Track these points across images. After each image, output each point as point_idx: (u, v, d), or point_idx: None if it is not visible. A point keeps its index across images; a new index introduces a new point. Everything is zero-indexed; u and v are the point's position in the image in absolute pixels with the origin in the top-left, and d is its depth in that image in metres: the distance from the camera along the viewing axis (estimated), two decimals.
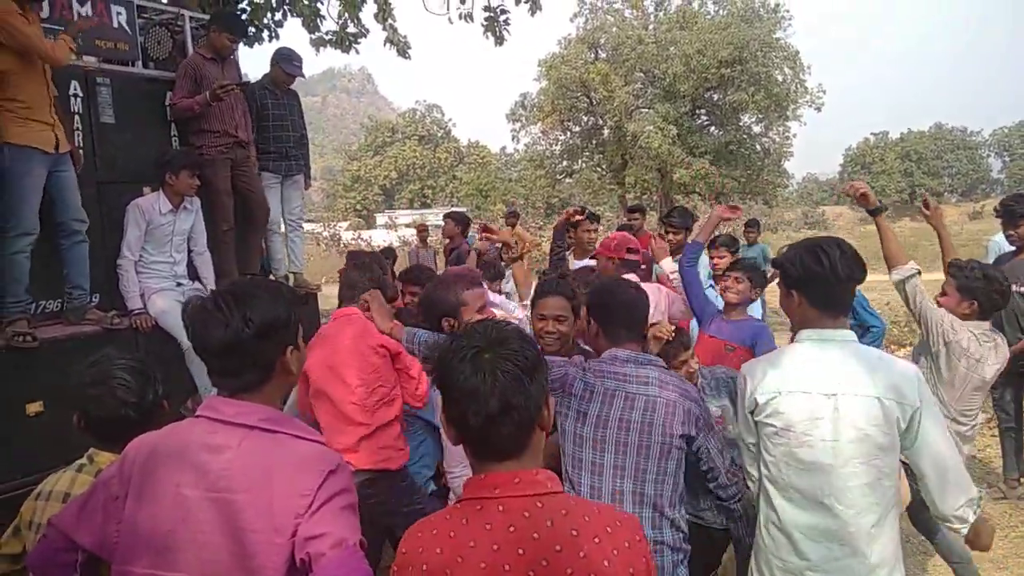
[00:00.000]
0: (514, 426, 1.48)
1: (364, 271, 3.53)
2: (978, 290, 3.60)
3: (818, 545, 2.16)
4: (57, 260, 4.33)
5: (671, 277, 4.52)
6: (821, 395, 2.16)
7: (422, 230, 12.42)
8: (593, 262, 5.47)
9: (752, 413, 2.30)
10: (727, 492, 2.64)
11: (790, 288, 2.32)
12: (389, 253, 9.51)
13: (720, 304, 4.40)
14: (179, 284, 4.91)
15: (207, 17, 5.65)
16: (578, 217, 5.56)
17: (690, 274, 4.28)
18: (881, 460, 2.15)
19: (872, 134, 65.75)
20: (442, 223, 10.16)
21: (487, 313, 3.15)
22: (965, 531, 2.21)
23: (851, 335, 2.27)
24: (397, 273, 6.76)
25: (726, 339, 4.15)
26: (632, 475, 2.41)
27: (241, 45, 6.36)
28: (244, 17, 8.06)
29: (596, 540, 1.44)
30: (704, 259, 5.92)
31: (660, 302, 4.31)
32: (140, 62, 5.14)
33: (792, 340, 2.39)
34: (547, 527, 1.44)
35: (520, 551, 1.43)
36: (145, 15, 5.26)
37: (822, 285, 2.23)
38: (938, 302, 3.68)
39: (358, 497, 1.68)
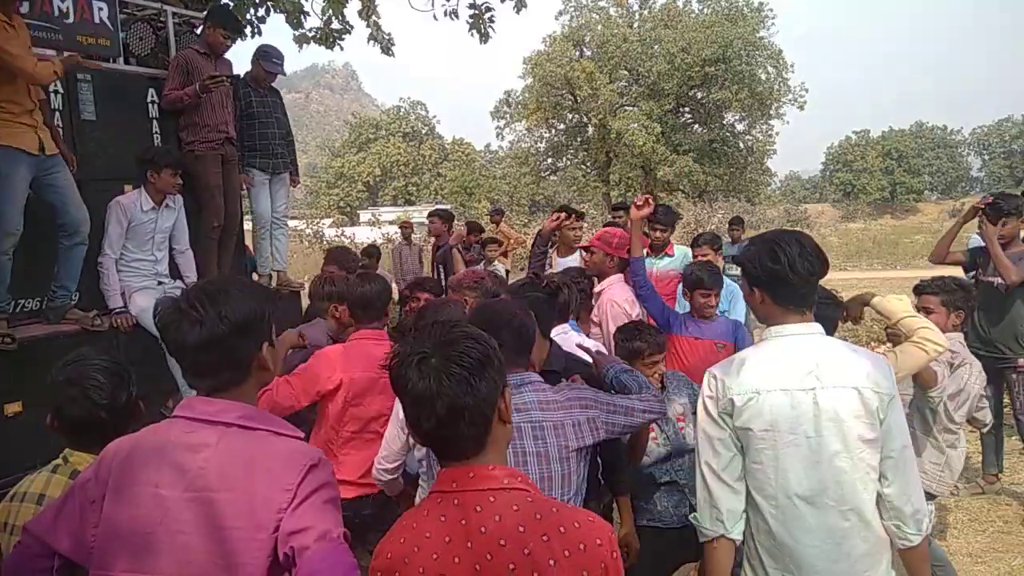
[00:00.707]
0: (468, 426, 1.50)
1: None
2: (960, 300, 3.69)
3: (814, 547, 2.09)
4: (38, 259, 4.28)
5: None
6: (799, 391, 2.09)
7: (406, 227, 12.38)
8: (573, 260, 5.46)
9: (729, 416, 2.17)
10: (646, 405, 2.57)
11: (752, 285, 2.27)
12: (373, 251, 9.44)
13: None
14: (160, 282, 4.87)
15: (190, 13, 5.62)
16: (563, 218, 5.53)
17: (644, 288, 4.28)
18: (867, 453, 2.09)
19: (854, 132, 66.13)
20: (426, 221, 10.10)
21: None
22: (917, 542, 2.11)
23: (818, 327, 2.22)
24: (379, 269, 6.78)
25: (713, 338, 4.18)
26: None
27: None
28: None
29: (544, 538, 1.45)
30: (688, 254, 5.96)
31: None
32: (122, 58, 5.09)
33: (759, 338, 2.32)
34: (495, 521, 1.46)
35: (468, 544, 1.47)
36: (127, 11, 5.21)
37: (781, 283, 2.17)
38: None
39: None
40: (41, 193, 4.17)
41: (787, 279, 2.15)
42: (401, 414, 2.88)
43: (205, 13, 5.44)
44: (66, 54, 4.27)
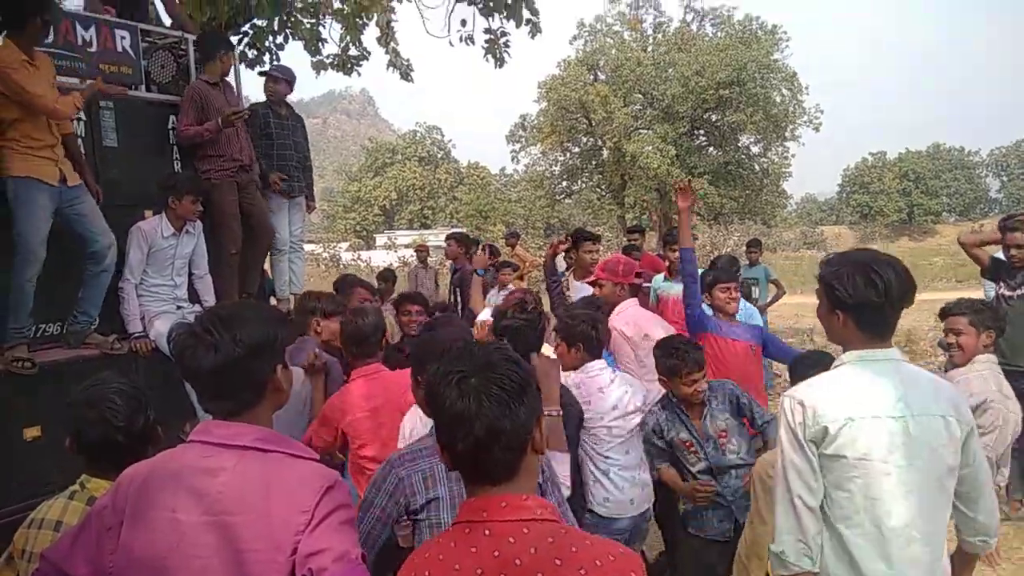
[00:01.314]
0: (503, 451, 1.47)
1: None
2: (989, 319, 3.61)
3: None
4: (59, 284, 4.33)
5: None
6: (890, 418, 2.01)
7: (422, 251, 12.42)
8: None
9: (816, 444, 2.06)
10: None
11: (836, 308, 2.13)
12: (389, 275, 9.47)
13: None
14: (179, 307, 4.91)
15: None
16: (563, 247, 5.55)
17: (693, 282, 4.29)
18: (949, 481, 2.06)
19: (870, 154, 65.87)
20: (443, 244, 10.11)
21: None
22: (993, 546, 2.22)
23: (899, 353, 2.13)
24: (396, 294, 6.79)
25: (747, 340, 4.21)
26: None
27: (243, 68, 6.42)
28: (246, 40, 8.12)
29: (581, 571, 1.41)
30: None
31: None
32: (144, 86, 5.17)
33: (835, 362, 2.21)
34: (531, 554, 1.42)
35: None
36: (149, 39, 5.30)
37: (873, 309, 2.06)
38: (959, 345, 3.66)
39: None
40: (68, 224, 4.24)
41: (881, 307, 2.06)
42: (405, 427, 2.88)
43: (196, 48, 5.46)
44: (87, 83, 4.35)
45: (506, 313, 3.18)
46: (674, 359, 3.41)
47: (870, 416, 2.02)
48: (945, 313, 3.76)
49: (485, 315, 4.59)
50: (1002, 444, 3.58)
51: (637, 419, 3.56)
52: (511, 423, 1.46)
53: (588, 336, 3.54)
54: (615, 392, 3.52)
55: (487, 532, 1.46)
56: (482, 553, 1.44)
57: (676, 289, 5.51)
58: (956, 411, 2.07)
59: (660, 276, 6.17)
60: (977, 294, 5.15)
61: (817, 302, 2.25)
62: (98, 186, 4.56)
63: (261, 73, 6.08)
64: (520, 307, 3.24)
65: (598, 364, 3.57)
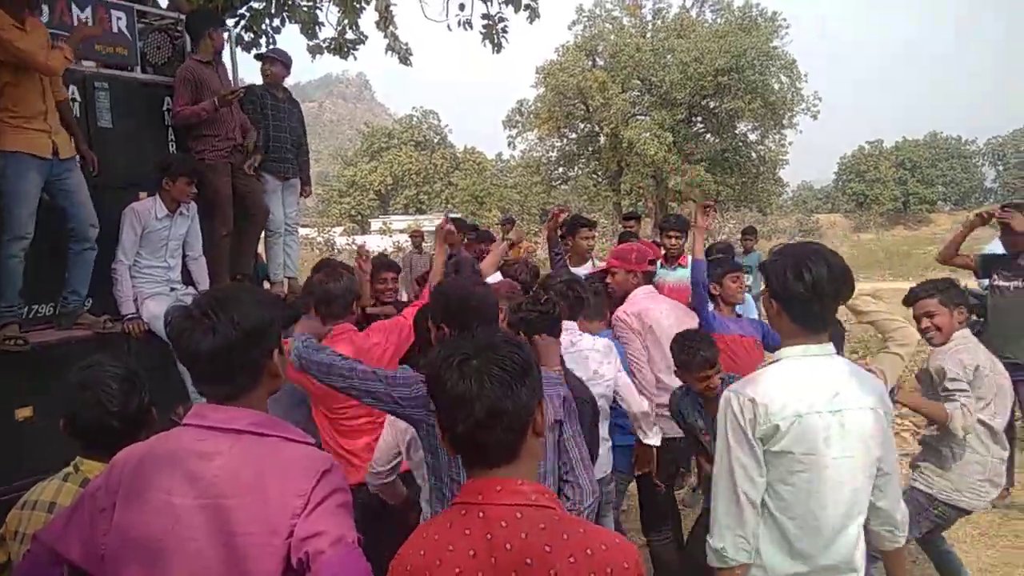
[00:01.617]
0: (503, 432, 1.48)
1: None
2: (956, 296, 3.61)
3: (831, 561, 2.12)
4: (51, 264, 4.32)
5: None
6: (828, 413, 2.07)
7: (416, 236, 12.40)
8: (585, 270, 5.43)
9: (765, 441, 2.10)
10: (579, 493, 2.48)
11: (772, 298, 2.20)
12: (383, 259, 9.45)
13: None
14: (173, 289, 4.89)
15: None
16: (563, 215, 5.52)
17: (702, 291, 4.26)
18: (873, 470, 2.14)
19: (867, 142, 65.72)
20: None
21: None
22: (903, 542, 2.24)
23: (831, 347, 2.19)
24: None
25: (752, 335, 4.24)
26: None
27: (239, 51, 6.39)
28: (243, 23, 8.06)
29: (571, 559, 1.42)
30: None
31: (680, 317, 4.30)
32: (139, 67, 5.14)
33: (774, 356, 2.26)
34: (521, 539, 1.43)
35: (493, 559, 1.43)
36: (145, 20, 5.27)
37: (802, 303, 2.10)
38: (935, 326, 3.60)
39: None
40: (52, 197, 4.20)
41: (809, 301, 2.09)
42: (398, 421, 2.89)
43: (185, 25, 5.43)
44: (67, 37, 4.27)
45: (521, 306, 3.16)
46: (684, 355, 3.42)
47: (814, 412, 2.08)
48: (912, 299, 3.69)
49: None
50: (1003, 413, 3.58)
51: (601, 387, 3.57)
52: (512, 404, 1.47)
53: (563, 295, 3.57)
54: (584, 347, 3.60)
55: (481, 515, 1.47)
56: (475, 535, 1.46)
57: (672, 276, 5.50)
58: (882, 403, 2.16)
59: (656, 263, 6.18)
60: (969, 284, 5.16)
61: None
62: (93, 154, 4.53)
63: (257, 56, 6.04)
64: (535, 299, 3.21)
65: (570, 325, 3.59)
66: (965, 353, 3.52)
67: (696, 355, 3.38)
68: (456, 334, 2.40)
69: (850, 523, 2.12)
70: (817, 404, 2.08)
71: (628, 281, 4.50)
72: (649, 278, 4.57)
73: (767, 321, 2.71)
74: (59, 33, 4.48)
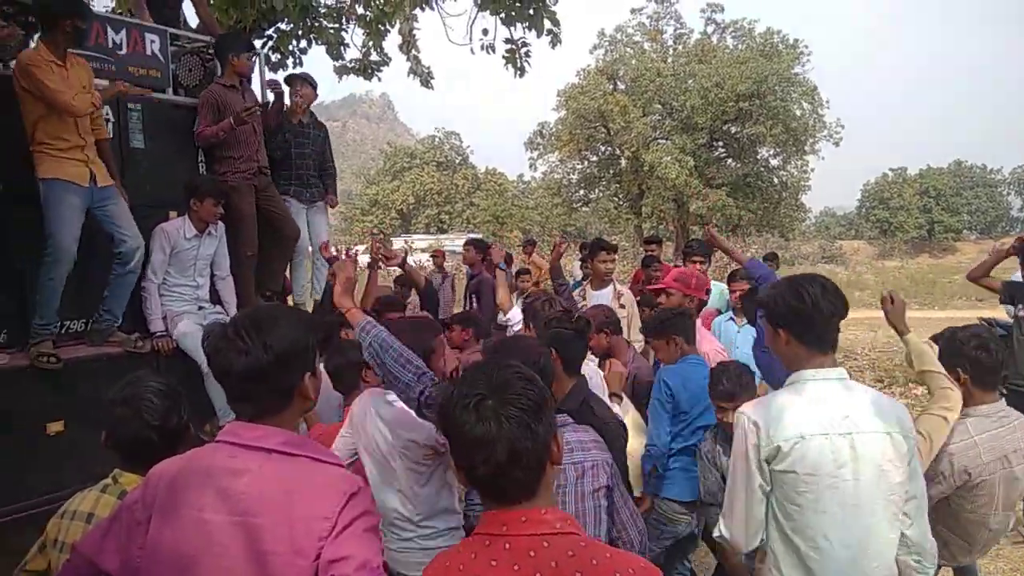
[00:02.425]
0: (524, 471, 1.47)
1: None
2: (960, 353, 3.05)
3: None
4: (84, 282, 4.40)
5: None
6: (838, 435, 2.12)
7: (438, 255, 12.46)
8: (607, 293, 5.45)
9: (769, 461, 2.18)
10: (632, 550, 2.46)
11: (776, 327, 2.29)
12: (406, 280, 9.49)
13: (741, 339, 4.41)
14: (201, 308, 4.98)
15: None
16: (563, 247, 5.55)
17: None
18: (897, 496, 2.14)
19: (890, 169, 65.37)
20: (459, 249, 10.11)
21: (449, 357, 3.11)
22: (928, 573, 2.23)
23: (843, 372, 2.25)
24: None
25: None
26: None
27: (267, 71, 6.49)
28: (270, 44, 8.22)
29: None
30: (724, 290, 5.92)
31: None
32: (171, 89, 5.25)
33: (786, 382, 2.31)
34: (551, 567, 1.42)
35: None
36: (177, 43, 5.39)
37: (806, 322, 2.21)
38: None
39: None
40: (98, 223, 4.31)
41: (812, 318, 2.20)
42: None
43: (214, 49, 5.52)
44: (106, 84, 4.42)
45: (552, 322, 3.12)
46: (710, 381, 3.43)
47: (820, 434, 2.13)
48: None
49: (516, 314, 4.59)
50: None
51: None
52: (532, 443, 1.47)
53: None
54: None
55: (507, 546, 1.46)
56: (502, 567, 1.44)
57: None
58: (901, 427, 2.17)
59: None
60: (997, 314, 5.13)
61: None
62: (124, 191, 4.62)
63: (287, 79, 6.13)
64: (567, 316, 3.19)
65: None
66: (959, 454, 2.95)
67: (717, 384, 3.38)
68: None
69: (869, 549, 2.11)
70: (824, 426, 2.13)
71: (683, 304, 4.48)
72: (701, 306, 4.55)
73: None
74: (93, 55, 4.61)
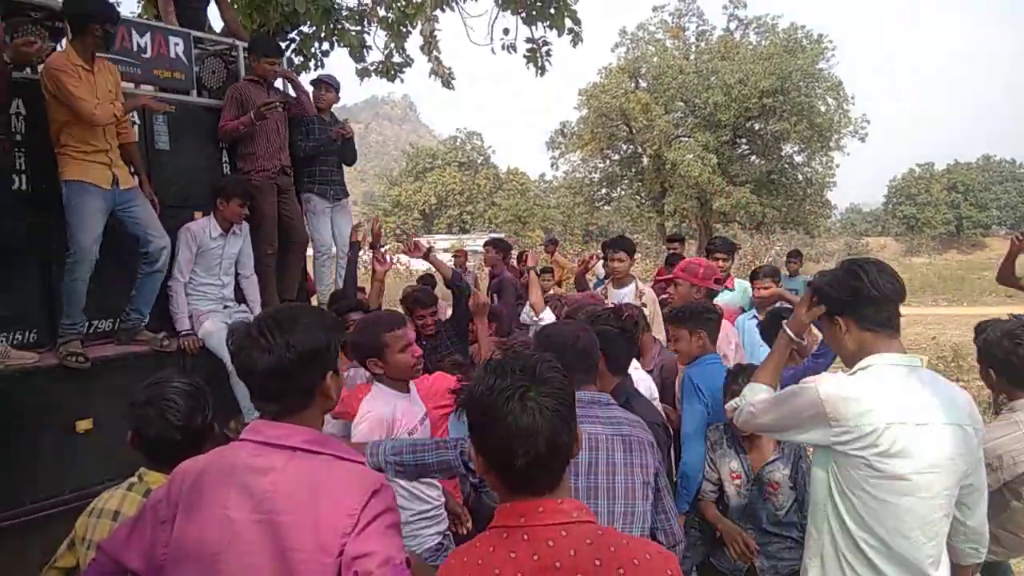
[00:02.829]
0: (559, 464, 1.50)
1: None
2: (990, 352, 2.96)
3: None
4: (112, 281, 4.46)
5: None
6: (914, 425, 2.03)
7: (460, 255, 12.48)
8: (629, 291, 5.43)
9: (845, 444, 2.07)
10: (673, 539, 2.47)
11: (834, 315, 2.20)
12: (428, 279, 9.54)
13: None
14: (226, 306, 5.04)
15: None
16: (594, 262, 5.52)
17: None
18: (955, 489, 2.09)
19: (917, 165, 64.42)
20: (481, 249, 10.13)
21: (412, 352, 3.08)
22: (983, 559, 2.25)
23: (918, 359, 2.15)
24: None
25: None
26: (622, 519, 2.31)
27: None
28: (293, 47, 8.29)
29: (620, 571, 1.43)
30: (748, 288, 5.87)
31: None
32: (195, 91, 5.31)
33: (856, 366, 2.18)
34: (570, 556, 1.43)
35: None
36: (201, 45, 5.45)
37: (865, 302, 2.12)
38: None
39: None
40: (123, 226, 4.37)
41: (871, 296, 2.11)
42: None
43: (247, 50, 5.60)
44: (137, 94, 4.48)
45: (599, 318, 3.07)
46: (728, 384, 3.33)
47: (898, 422, 2.03)
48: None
49: (549, 315, 4.60)
50: None
51: None
52: (568, 437, 1.49)
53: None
54: None
55: (525, 537, 1.47)
56: (520, 558, 1.45)
57: (718, 299, 5.48)
58: (972, 419, 2.11)
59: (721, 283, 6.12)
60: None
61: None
62: (153, 194, 4.68)
63: (312, 82, 6.18)
64: (616, 313, 3.12)
65: None
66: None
67: (733, 384, 3.28)
68: None
69: (930, 539, 2.06)
70: (903, 415, 2.03)
71: (691, 295, 4.45)
72: (711, 296, 4.52)
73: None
74: (119, 59, 4.67)
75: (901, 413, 2.03)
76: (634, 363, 3.63)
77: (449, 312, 5.75)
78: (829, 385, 2.13)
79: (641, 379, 3.72)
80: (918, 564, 2.06)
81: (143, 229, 4.44)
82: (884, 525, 2.05)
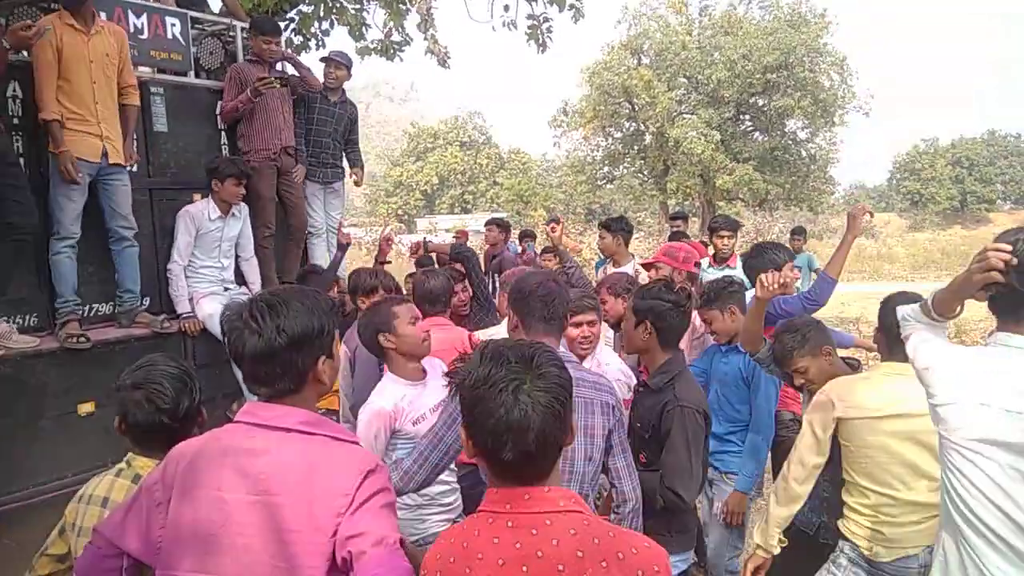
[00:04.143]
0: (548, 458, 1.48)
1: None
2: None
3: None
4: (110, 264, 4.46)
5: None
6: (1016, 412, 1.85)
7: (462, 235, 12.44)
8: (628, 270, 5.41)
9: (935, 420, 1.98)
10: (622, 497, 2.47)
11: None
12: (427, 260, 9.48)
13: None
14: (226, 289, 5.03)
15: None
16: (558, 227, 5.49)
17: (816, 302, 3.82)
18: None
19: (922, 140, 64.01)
20: (483, 229, 10.12)
21: (420, 326, 3.09)
22: None
23: None
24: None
25: None
26: (578, 480, 2.26)
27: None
28: (292, 26, 8.22)
29: (603, 564, 1.41)
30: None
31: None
32: (193, 72, 5.27)
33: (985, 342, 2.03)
34: (552, 546, 1.42)
35: (524, 568, 1.42)
36: (198, 26, 5.40)
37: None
38: None
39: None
40: (95, 195, 4.34)
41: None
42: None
43: (246, 26, 5.56)
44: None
45: (650, 291, 2.97)
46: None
47: (984, 403, 1.89)
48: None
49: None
50: None
51: None
52: (559, 432, 1.47)
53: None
54: None
55: (509, 524, 1.46)
56: (503, 544, 1.45)
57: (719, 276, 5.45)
58: None
59: (704, 262, 6.12)
60: None
61: None
62: (135, 152, 4.64)
63: (322, 59, 6.11)
64: (667, 286, 3.02)
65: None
66: None
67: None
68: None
69: (1013, 547, 1.88)
70: (1001, 399, 1.87)
71: (671, 278, 4.43)
72: (692, 279, 4.52)
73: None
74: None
75: (995, 396, 1.90)
76: (607, 342, 3.64)
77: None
78: (930, 358, 2.05)
79: (611, 361, 3.69)
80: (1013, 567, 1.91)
81: (112, 204, 4.40)
82: (976, 514, 1.93)
